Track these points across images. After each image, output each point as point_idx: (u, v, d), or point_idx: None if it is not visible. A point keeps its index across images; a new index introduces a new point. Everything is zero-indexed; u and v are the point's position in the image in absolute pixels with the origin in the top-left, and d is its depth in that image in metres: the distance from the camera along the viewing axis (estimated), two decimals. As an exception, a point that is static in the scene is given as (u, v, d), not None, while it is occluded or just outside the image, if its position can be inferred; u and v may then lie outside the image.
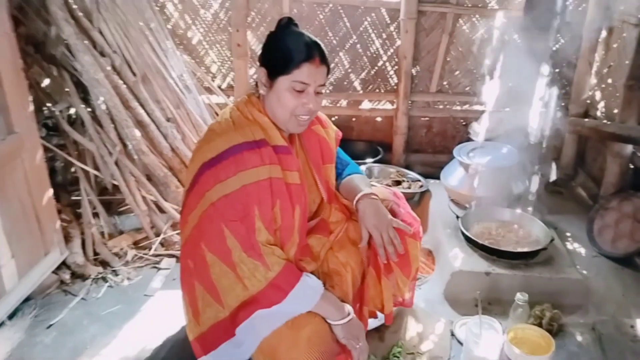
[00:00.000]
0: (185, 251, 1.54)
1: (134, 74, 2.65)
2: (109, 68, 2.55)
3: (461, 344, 1.87)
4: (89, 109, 2.58)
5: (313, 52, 1.46)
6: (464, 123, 3.58)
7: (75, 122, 2.63)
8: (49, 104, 2.62)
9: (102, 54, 2.56)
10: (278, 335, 1.43)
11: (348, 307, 1.54)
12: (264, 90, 1.50)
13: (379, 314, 1.90)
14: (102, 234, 2.47)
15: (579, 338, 1.98)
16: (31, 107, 2.08)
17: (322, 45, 1.50)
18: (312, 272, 1.57)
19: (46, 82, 2.68)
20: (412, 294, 1.93)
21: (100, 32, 2.58)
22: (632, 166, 2.68)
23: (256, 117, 1.51)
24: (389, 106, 3.54)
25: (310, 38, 1.49)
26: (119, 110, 2.53)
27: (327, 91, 3.46)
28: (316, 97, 1.50)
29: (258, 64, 1.53)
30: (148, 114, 2.65)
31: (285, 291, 1.41)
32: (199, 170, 1.44)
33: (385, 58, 3.45)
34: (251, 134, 1.46)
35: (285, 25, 1.52)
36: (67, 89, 2.58)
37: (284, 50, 1.45)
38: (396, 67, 3.43)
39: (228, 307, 1.45)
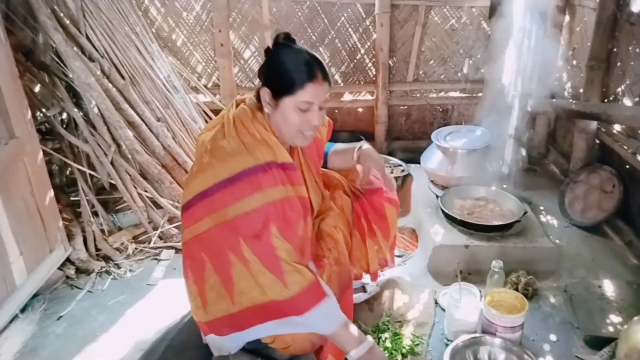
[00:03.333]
0: (200, 246, 1.57)
1: (123, 77, 2.76)
2: (98, 72, 2.65)
3: (444, 310, 2.03)
4: (82, 113, 2.70)
5: (315, 71, 1.49)
6: (440, 110, 3.75)
7: (69, 125, 2.73)
8: (42, 110, 2.72)
9: (91, 59, 2.66)
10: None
11: (369, 338, 1.57)
12: (268, 109, 1.53)
13: (369, 287, 2.06)
14: (102, 231, 2.59)
15: (552, 300, 2.15)
16: (29, 113, 2.19)
17: (322, 61, 1.54)
18: None
19: (37, 88, 2.78)
20: (392, 255, 2.07)
21: (88, 38, 2.69)
22: (597, 141, 2.86)
23: (264, 136, 1.53)
24: (369, 97, 3.69)
25: (310, 55, 1.52)
26: (111, 113, 2.64)
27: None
28: (320, 112, 1.55)
29: (260, 81, 1.56)
30: (139, 115, 2.77)
31: (302, 310, 1.47)
32: (214, 186, 1.49)
33: (363, 51, 3.59)
34: (262, 156, 1.49)
35: (284, 43, 1.54)
36: (59, 94, 2.68)
37: (287, 72, 1.48)
38: (374, 59, 3.58)
39: (239, 304, 1.54)
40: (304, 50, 1.54)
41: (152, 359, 1.86)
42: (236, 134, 1.52)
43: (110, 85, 2.69)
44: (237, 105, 1.62)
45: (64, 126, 2.74)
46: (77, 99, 2.70)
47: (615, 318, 1.95)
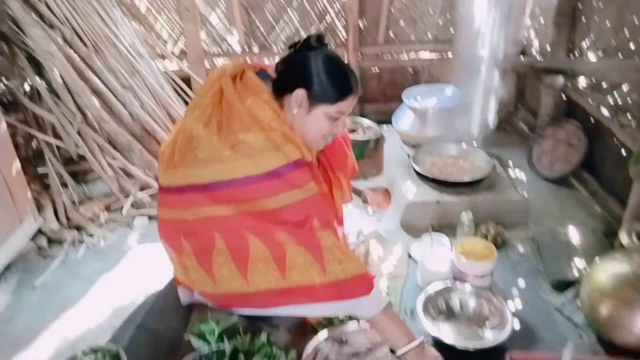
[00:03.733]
0: (212, 226, 1.53)
1: (86, 45, 2.68)
2: (59, 40, 2.58)
3: (417, 263, 2.08)
4: (45, 82, 2.62)
5: (355, 85, 1.50)
6: (412, 71, 3.76)
7: (33, 96, 2.66)
8: (3, 80, 2.64)
9: (51, 27, 2.58)
10: None
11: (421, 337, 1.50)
12: (298, 110, 1.49)
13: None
14: (72, 202, 2.55)
15: (521, 249, 2.22)
16: (-12, 82, 2.13)
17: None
18: None
19: (-4, 59, 2.69)
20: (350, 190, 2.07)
21: (47, 5, 2.59)
22: (564, 97, 2.92)
23: (289, 136, 1.48)
24: (339, 60, 3.67)
25: (350, 67, 1.53)
26: (75, 81, 2.58)
27: (280, 50, 3.57)
28: (344, 121, 1.57)
29: (284, 78, 1.52)
30: (104, 83, 2.70)
31: (336, 298, 1.45)
32: (242, 179, 1.44)
33: (332, 13, 3.56)
34: (292, 154, 1.46)
35: (318, 45, 1.50)
36: (20, 64, 2.60)
37: (334, 82, 1.47)
38: (344, 21, 3.55)
39: (254, 286, 1.53)
40: (341, 59, 1.54)
41: (133, 324, 1.86)
42: (261, 129, 1.47)
43: (72, 53, 2.61)
44: (233, 79, 1.54)
45: (28, 97, 2.67)
46: (39, 69, 2.62)
47: (579, 262, 2.04)
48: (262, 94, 1.51)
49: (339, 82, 1.48)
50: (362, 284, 1.46)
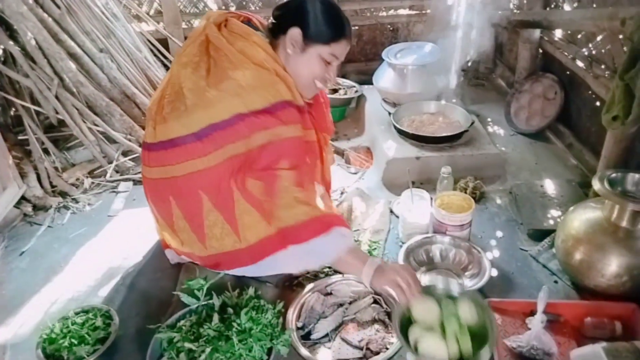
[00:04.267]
0: (195, 184, 1.57)
1: (58, 7, 2.61)
2: (31, 1, 2.51)
3: (398, 217, 2.13)
4: (18, 46, 2.55)
5: (349, 30, 1.55)
6: (391, 29, 3.74)
7: (7, 60, 2.60)
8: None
9: (21, -12, 2.50)
10: None
11: (374, 258, 1.54)
12: (292, 50, 1.52)
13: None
14: (55, 168, 2.54)
15: (498, 201, 2.29)
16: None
17: None
18: None
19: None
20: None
21: (16, -35, 2.51)
22: (540, 51, 2.95)
23: (282, 75, 1.51)
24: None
25: (344, 14, 1.56)
26: (50, 44, 2.52)
27: (257, 8, 3.51)
28: (337, 67, 1.59)
29: (280, 20, 1.54)
30: (79, 45, 2.65)
31: (305, 238, 1.48)
32: (229, 119, 1.46)
33: (309, -30, 3.49)
34: (279, 94, 1.49)
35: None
36: (-10, 28, 2.53)
37: (330, 23, 1.50)
38: (321, -22, 3.49)
39: (246, 241, 1.59)
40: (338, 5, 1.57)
41: (124, 286, 1.90)
42: (252, 66, 1.47)
43: (45, 15, 2.55)
44: (218, 27, 1.55)
45: (2, 61, 2.61)
46: (11, 32, 2.55)
47: (555, 212, 2.11)
48: (251, 36, 1.54)
49: (334, 22, 1.51)
50: (311, 228, 1.48)
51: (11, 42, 2.52)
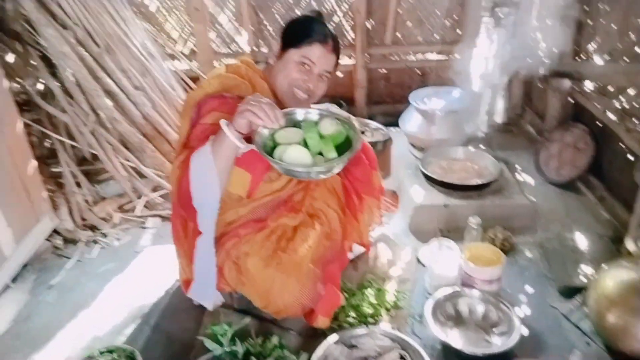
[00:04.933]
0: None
1: (98, 45, 2.71)
2: (72, 40, 2.60)
3: (425, 266, 2.11)
4: (58, 82, 2.65)
5: (327, 38, 1.62)
6: (419, 72, 3.77)
7: (47, 95, 2.69)
8: (17, 80, 2.67)
9: (64, 27, 2.60)
10: (271, 279, 1.62)
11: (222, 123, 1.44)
12: (273, 60, 1.66)
13: (354, 247, 2.13)
14: (86, 201, 2.59)
15: (528, 254, 2.25)
16: (5, 83, 2.16)
17: (338, 39, 1.69)
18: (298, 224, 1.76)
19: (10, 58, 2.72)
20: (380, 213, 2.15)
21: (59, 5, 2.62)
22: (571, 100, 2.93)
23: (254, 82, 1.65)
24: (348, 61, 3.69)
25: (328, 27, 1.67)
26: (88, 81, 2.61)
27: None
28: (318, 80, 1.65)
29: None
30: (116, 83, 2.73)
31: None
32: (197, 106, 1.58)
33: (340, 14, 3.57)
34: (238, 92, 1.58)
35: (314, 15, 1.71)
36: (33, 64, 2.63)
37: (302, 27, 1.63)
38: (351, 22, 3.57)
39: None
40: (328, 25, 1.68)
41: (147, 325, 1.90)
42: (224, 75, 1.63)
43: (85, 53, 2.64)
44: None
45: (41, 96, 2.70)
46: (52, 68, 2.65)
47: (586, 268, 2.06)
48: (245, 59, 1.73)
49: (307, 28, 1.62)
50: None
51: (52, 79, 2.61)
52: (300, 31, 1.62)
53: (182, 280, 1.85)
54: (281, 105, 1.60)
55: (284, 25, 1.69)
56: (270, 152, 1.43)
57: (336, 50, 1.67)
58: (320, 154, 1.48)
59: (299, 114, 1.56)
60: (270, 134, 1.47)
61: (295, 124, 1.54)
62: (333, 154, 1.46)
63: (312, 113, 1.57)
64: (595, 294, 1.72)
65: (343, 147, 1.49)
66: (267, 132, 1.45)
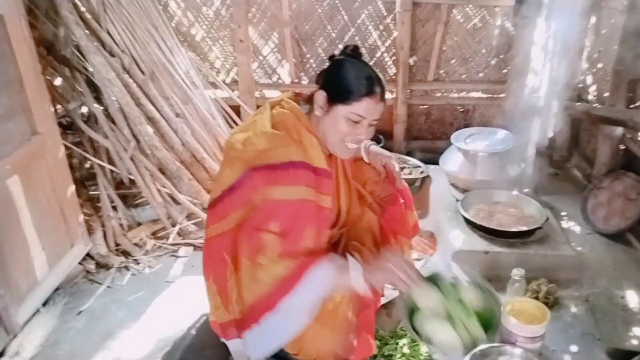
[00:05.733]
0: (222, 244, 1.57)
1: (143, 73, 2.76)
2: (118, 67, 2.66)
3: (463, 317, 2.00)
4: (102, 107, 2.70)
5: (375, 88, 1.52)
6: (461, 110, 3.70)
7: (90, 119, 2.74)
8: (63, 103, 2.72)
9: (112, 54, 2.66)
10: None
11: (348, 258, 1.48)
12: (320, 112, 1.55)
13: (387, 291, 2.05)
14: (121, 225, 2.60)
15: (574, 309, 2.12)
16: (51, 109, 2.20)
17: (384, 81, 1.57)
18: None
19: (58, 82, 2.79)
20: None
21: (109, 33, 2.69)
22: (622, 147, 2.80)
23: (303, 137, 1.54)
24: (388, 95, 3.66)
25: (374, 72, 1.55)
26: (131, 108, 2.64)
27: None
28: (369, 129, 1.57)
29: (317, 85, 1.58)
30: (158, 110, 2.76)
31: (292, 286, 1.44)
32: (239, 180, 1.50)
33: (383, 49, 3.56)
34: (287, 154, 1.48)
35: (352, 54, 1.57)
36: (79, 89, 2.69)
37: (348, 82, 1.51)
38: (394, 57, 3.54)
39: (248, 301, 1.53)
40: (368, 65, 1.58)
41: (173, 359, 1.86)
42: (272, 134, 1.51)
43: (130, 80, 2.69)
44: (272, 107, 1.61)
45: (85, 120, 2.75)
46: (97, 94, 2.70)
47: (638, 331, 1.92)
48: (289, 106, 1.60)
49: (354, 82, 1.51)
50: (288, 282, 1.44)
51: (96, 104, 2.66)
52: (347, 88, 1.51)
53: (217, 322, 1.77)
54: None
55: (329, 76, 1.56)
56: (410, 314, 1.48)
57: (383, 96, 1.57)
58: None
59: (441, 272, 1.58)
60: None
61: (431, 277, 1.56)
62: (478, 330, 1.43)
63: (454, 270, 1.59)
64: (650, 362, 1.59)
65: (483, 317, 1.48)
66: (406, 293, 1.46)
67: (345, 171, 1.80)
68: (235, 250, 1.54)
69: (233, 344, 1.70)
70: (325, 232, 1.64)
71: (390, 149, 3.57)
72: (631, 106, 2.71)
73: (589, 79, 3.21)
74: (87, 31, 2.58)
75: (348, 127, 1.54)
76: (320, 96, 1.54)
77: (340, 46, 3.45)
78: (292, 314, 1.49)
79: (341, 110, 1.52)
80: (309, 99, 1.62)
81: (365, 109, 1.52)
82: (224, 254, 1.58)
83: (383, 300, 2.08)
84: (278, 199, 1.47)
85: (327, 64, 1.61)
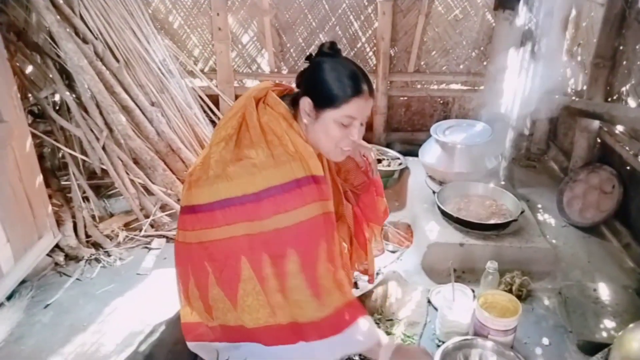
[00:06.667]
0: (205, 254, 1.54)
1: (117, 60, 2.69)
2: (92, 55, 2.59)
3: (437, 310, 2.00)
4: (74, 95, 2.63)
5: (362, 86, 1.44)
6: (441, 102, 3.69)
7: (61, 108, 2.67)
8: (34, 91, 2.65)
9: (85, 41, 2.59)
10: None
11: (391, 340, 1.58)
12: (307, 120, 1.48)
13: (360, 284, 2.04)
14: (92, 217, 2.55)
15: (546, 302, 2.13)
16: (18, 97, 2.13)
17: (368, 76, 1.49)
18: None
19: (29, 69, 2.71)
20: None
21: (82, 19, 2.61)
22: (599, 140, 2.81)
23: (299, 148, 1.46)
24: (368, 86, 3.63)
25: (357, 67, 1.47)
26: (104, 96, 2.58)
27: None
28: (361, 128, 1.51)
29: (300, 90, 1.52)
30: (132, 99, 2.70)
31: (325, 335, 1.45)
32: (241, 197, 1.44)
33: (363, 39, 3.52)
34: (292, 172, 1.43)
35: (329, 53, 1.50)
36: (51, 76, 2.62)
37: (333, 85, 1.43)
38: (374, 48, 3.51)
39: (250, 322, 1.52)
40: (350, 62, 1.50)
41: (141, 354, 1.83)
42: (266, 145, 1.44)
43: (103, 68, 2.62)
44: (257, 102, 1.52)
45: (56, 109, 2.68)
46: (69, 81, 2.63)
47: (609, 323, 1.93)
48: (278, 108, 1.51)
49: (339, 85, 1.43)
50: (325, 326, 1.45)
51: (68, 92, 2.59)
52: (333, 91, 1.43)
53: (184, 325, 1.73)
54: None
55: (311, 81, 1.49)
56: None
57: (372, 91, 1.49)
58: None
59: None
60: None
61: None
62: None
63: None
64: (618, 354, 1.59)
65: None
66: None
67: (330, 168, 1.77)
68: (224, 263, 1.51)
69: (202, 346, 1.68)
70: (335, 235, 1.60)
71: (369, 141, 3.57)
72: (608, 99, 2.71)
73: (568, 72, 3.21)
74: (58, 17, 2.50)
75: (340, 131, 1.47)
76: (306, 103, 1.47)
77: (321, 36, 3.46)
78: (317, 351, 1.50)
79: (330, 115, 1.45)
80: (293, 101, 1.54)
81: (355, 109, 1.45)
82: (205, 264, 1.54)
83: (357, 293, 2.08)
84: (290, 225, 1.43)
85: (306, 64, 1.54)
